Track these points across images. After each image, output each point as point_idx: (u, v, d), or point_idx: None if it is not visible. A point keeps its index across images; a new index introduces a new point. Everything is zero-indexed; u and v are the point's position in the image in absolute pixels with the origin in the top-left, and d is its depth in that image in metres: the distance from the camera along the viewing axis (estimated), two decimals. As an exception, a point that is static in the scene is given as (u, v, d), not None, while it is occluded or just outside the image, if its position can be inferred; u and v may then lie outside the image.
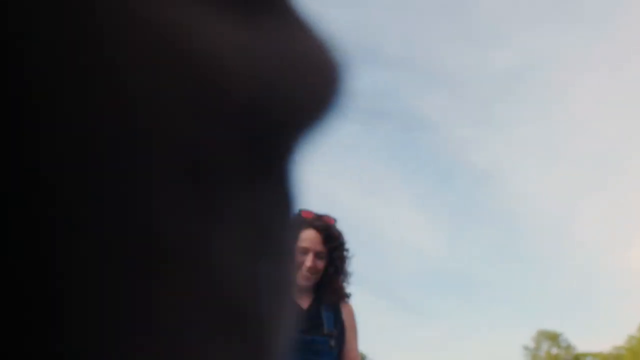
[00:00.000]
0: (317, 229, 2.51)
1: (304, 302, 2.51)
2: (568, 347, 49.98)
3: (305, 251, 2.47)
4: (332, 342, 2.38)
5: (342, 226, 2.68)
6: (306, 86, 0.18)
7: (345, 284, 2.60)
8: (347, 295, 2.61)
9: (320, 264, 2.48)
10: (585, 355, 50.77)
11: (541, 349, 53.17)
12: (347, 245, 2.64)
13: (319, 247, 2.49)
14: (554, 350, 52.64)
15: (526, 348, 54.15)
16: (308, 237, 2.50)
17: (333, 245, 2.52)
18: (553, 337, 52.62)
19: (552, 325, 49.16)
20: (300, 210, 2.27)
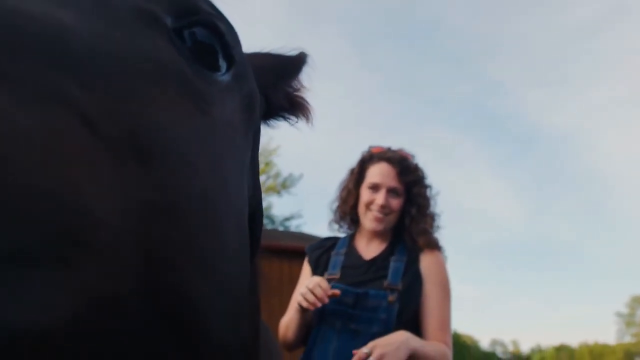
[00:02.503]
0: (390, 161, 2.08)
1: (371, 251, 2.07)
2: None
3: (376, 187, 2.06)
4: (392, 297, 1.88)
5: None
6: None
7: (430, 228, 2.07)
8: (432, 242, 2.03)
9: (396, 203, 2.04)
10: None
11: (636, 315, 50.31)
12: (429, 181, 2.15)
13: (393, 181, 2.05)
14: (651, 316, 49.48)
15: (619, 315, 51.60)
16: (378, 171, 2.07)
17: (410, 179, 2.07)
18: (649, 303, 49.67)
19: (647, 290, 45.24)
20: (370, 147, 2.15)
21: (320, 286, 1.82)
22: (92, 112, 0.37)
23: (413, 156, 2.20)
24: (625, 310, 48.13)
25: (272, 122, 0.94)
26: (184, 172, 0.45)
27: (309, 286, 1.82)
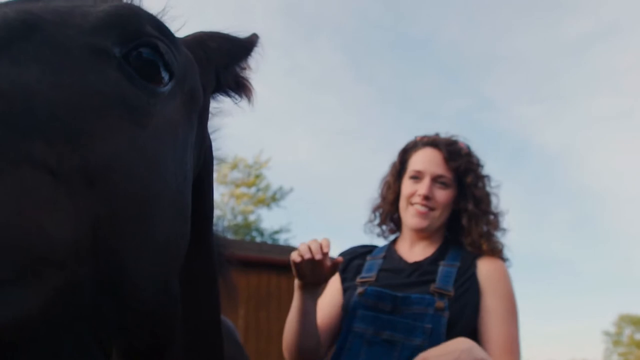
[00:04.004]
0: (435, 144, 1.77)
1: (416, 254, 1.74)
2: (652, 332, 46.87)
3: (419, 176, 1.73)
4: (441, 303, 1.53)
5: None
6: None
7: (495, 230, 1.71)
8: (494, 247, 1.68)
9: (444, 195, 1.71)
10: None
11: (623, 334, 50.40)
12: (486, 170, 1.80)
13: (439, 168, 1.71)
14: (638, 336, 49.63)
15: (607, 333, 51.64)
16: (421, 158, 1.76)
17: (461, 165, 1.71)
18: (636, 322, 49.92)
19: (634, 310, 45.48)
20: (415, 137, 1.85)
21: (318, 241, 1.49)
22: (52, 163, 0.50)
23: (468, 145, 1.83)
24: (612, 329, 48.31)
25: (220, 97, 1.02)
26: (122, 182, 0.58)
27: (307, 242, 1.51)
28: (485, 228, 1.73)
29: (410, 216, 1.77)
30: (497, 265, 1.69)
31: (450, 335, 1.50)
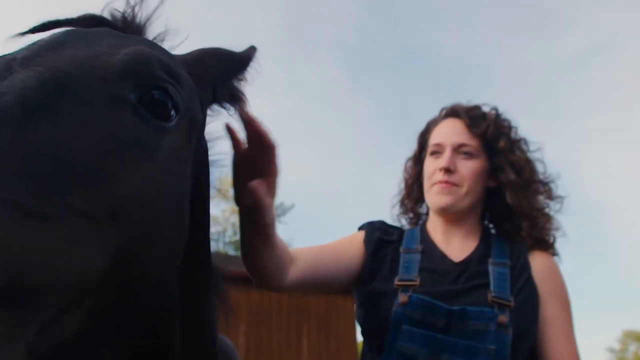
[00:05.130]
0: (456, 114, 1.53)
1: (458, 248, 1.48)
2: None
3: (439, 149, 1.50)
4: (504, 317, 1.28)
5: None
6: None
7: (541, 213, 1.44)
8: (546, 240, 1.45)
9: (469, 166, 1.44)
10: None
11: (628, 351, 49.98)
12: (521, 133, 1.51)
13: (461, 136, 1.47)
14: (643, 352, 49.06)
15: (611, 350, 51.15)
16: (441, 130, 1.54)
17: (487, 128, 1.46)
18: (641, 338, 49.28)
19: (639, 326, 45.09)
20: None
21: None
22: (86, 209, 0.61)
23: (495, 108, 1.56)
24: (616, 345, 47.83)
25: (215, 108, 1.06)
26: (138, 212, 0.69)
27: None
28: (522, 207, 1.44)
29: (433, 195, 1.50)
30: (550, 262, 1.45)
31: (516, 353, 1.28)
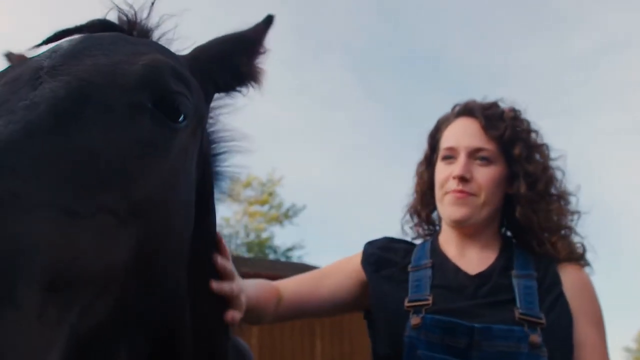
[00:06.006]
0: (471, 112, 1.38)
1: (474, 260, 1.32)
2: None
3: (452, 154, 1.35)
4: (536, 337, 1.13)
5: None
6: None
7: (560, 218, 1.29)
8: (574, 250, 1.30)
9: (487, 173, 1.29)
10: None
11: (645, 351, 49.23)
12: (542, 138, 1.37)
13: (476, 139, 1.31)
14: (660, 352, 48.31)
15: (628, 350, 50.53)
16: (453, 131, 1.38)
17: (505, 131, 1.30)
18: (658, 337, 48.61)
19: (656, 325, 44.57)
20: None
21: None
22: (114, 207, 0.68)
23: (514, 107, 1.37)
24: (633, 344, 47.27)
25: (221, 97, 1.10)
26: (154, 208, 0.76)
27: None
28: (551, 218, 1.28)
29: (446, 206, 1.34)
30: (582, 276, 1.29)
31: None
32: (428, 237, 1.54)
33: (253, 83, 1.09)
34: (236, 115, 1.13)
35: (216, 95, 1.09)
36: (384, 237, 1.55)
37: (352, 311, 1.50)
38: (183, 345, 0.94)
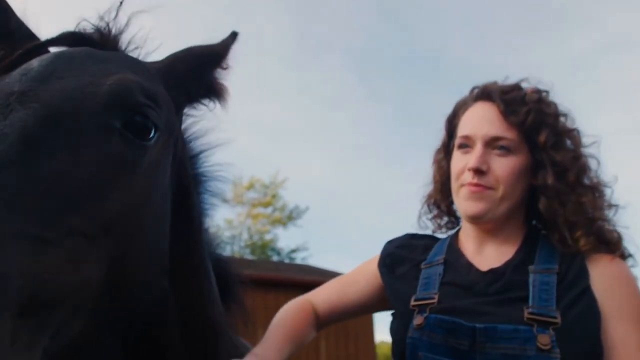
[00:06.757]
0: (489, 96, 1.27)
1: (490, 256, 1.25)
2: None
3: (468, 143, 1.26)
4: (546, 337, 1.04)
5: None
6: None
7: (598, 212, 1.17)
8: (608, 240, 1.16)
9: (505, 164, 1.20)
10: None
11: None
12: (571, 122, 1.24)
13: (494, 126, 1.21)
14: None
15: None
16: (470, 117, 1.28)
17: (527, 116, 1.19)
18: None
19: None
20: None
21: None
22: (84, 229, 0.70)
23: (541, 89, 1.26)
24: None
25: (193, 107, 1.11)
26: (126, 224, 0.79)
27: None
28: (580, 212, 1.16)
29: (461, 200, 1.26)
30: (618, 267, 1.14)
31: None
32: (450, 230, 1.45)
33: (219, 98, 1.11)
34: (213, 118, 1.14)
35: (188, 104, 1.11)
36: (405, 234, 1.48)
37: (385, 311, 1.45)
38: (169, 347, 0.97)
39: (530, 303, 1.10)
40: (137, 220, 0.82)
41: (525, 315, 1.08)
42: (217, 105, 1.11)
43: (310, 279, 11.06)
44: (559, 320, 1.06)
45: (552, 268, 1.15)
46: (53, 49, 0.97)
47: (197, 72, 1.07)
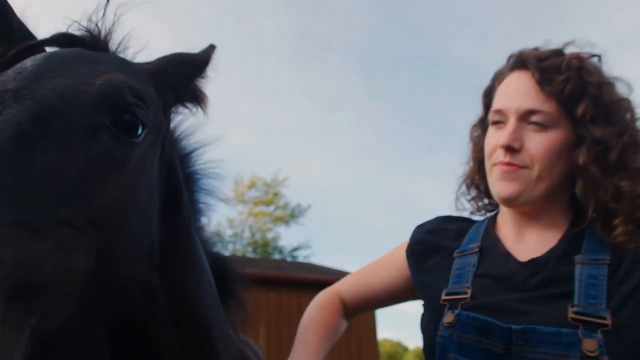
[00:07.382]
0: (524, 65, 1.15)
1: (530, 245, 1.13)
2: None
3: (500, 118, 1.14)
4: (593, 342, 0.91)
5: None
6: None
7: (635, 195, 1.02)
8: None
9: (542, 141, 1.08)
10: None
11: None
12: (620, 93, 1.10)
13: (529, 99, 1.09)
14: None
15: None
16: (504, 89, 1.17)
17: (566, 85, 1.07)
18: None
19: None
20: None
21: None
22: (73, 220, 0.74)
23: (585, 55, 1.12)
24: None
25: (179, 109, 1.15)
26: (114, 218, 0.83)
27: None
28: (621, 198, 1.02)
29: (494, 181, 1.14)
30: None
31: None
32: (490, 213, 1.31)
33: (200, 105, 1.15)
34: (204, 117, 1.17)
35: (176, 105, 1.14)
36: (437, 217, 1.36)
37: (416, 300, 1.33)
38: (163, 345, 1.00)
39: (576, 301, 0.97)
40: (124, 214, 0.86)
41: (570, 315, 0.96)
42: (200, 110, 1.15)
43: (312, 277, 11.07)
44: (609, 321, 0.93)
45: (602, 259, 1.01)
46: (47, 50, 1.00)
47: (183, 78, 1.12)
